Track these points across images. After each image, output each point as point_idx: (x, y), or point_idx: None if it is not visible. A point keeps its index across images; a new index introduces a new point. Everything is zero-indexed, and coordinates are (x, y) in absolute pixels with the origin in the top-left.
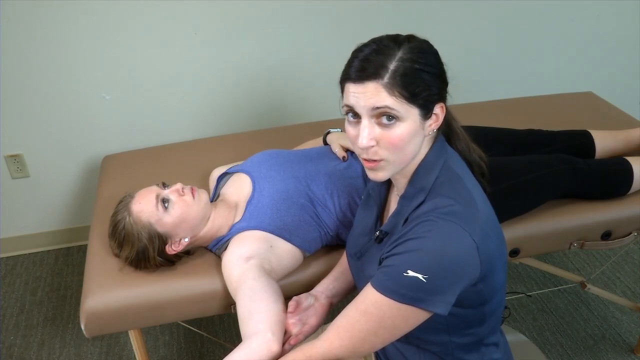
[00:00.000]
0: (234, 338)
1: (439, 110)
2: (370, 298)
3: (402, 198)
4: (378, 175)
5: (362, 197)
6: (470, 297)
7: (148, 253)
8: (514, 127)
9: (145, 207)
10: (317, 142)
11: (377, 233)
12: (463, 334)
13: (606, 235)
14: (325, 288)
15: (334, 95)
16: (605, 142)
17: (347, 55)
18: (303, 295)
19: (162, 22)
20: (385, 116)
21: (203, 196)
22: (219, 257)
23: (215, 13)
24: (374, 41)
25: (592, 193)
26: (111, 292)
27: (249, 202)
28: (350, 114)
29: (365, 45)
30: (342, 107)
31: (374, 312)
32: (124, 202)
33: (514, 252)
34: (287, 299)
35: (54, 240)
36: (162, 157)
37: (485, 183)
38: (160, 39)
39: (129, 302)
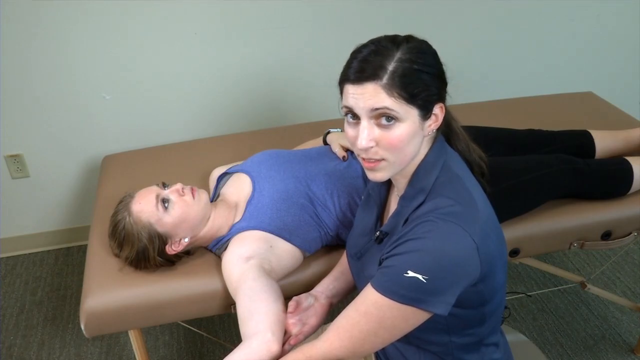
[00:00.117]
0: (234, 338)
1: (438, 111)
2: (370, 298)
3: (402, 198)
4: (377, 176)
5: (362, 197)
6: (470, 298)
7: (148, 253)
8: (514, 127)
9: (145, 207)
10: (317, 142)
11: (377, 233)
12: (463, 334)
13: (606, 235)
14: (325, 288)
15: (334, 95)
16: (605, 142)
17: (347, 56)
18: (303, 296)
19: (162, 22)
20: (385, 117)
21: (203, 196)
22: (219, 257)
23: (215, 13)
24: (373, 42)
25: (592, 193)
26: (111, 292)
27: (249, 202)
28: (349, 115)
29: (363, 46)
30: (341, 108)
31: (374, 313)
32: (124, 202)
33: (514, 252)
34: (287, 299)
35: (54, 240)
36: (162, 157)
37: (485, 183)
38: (160, 39)
39: (129, 302)
